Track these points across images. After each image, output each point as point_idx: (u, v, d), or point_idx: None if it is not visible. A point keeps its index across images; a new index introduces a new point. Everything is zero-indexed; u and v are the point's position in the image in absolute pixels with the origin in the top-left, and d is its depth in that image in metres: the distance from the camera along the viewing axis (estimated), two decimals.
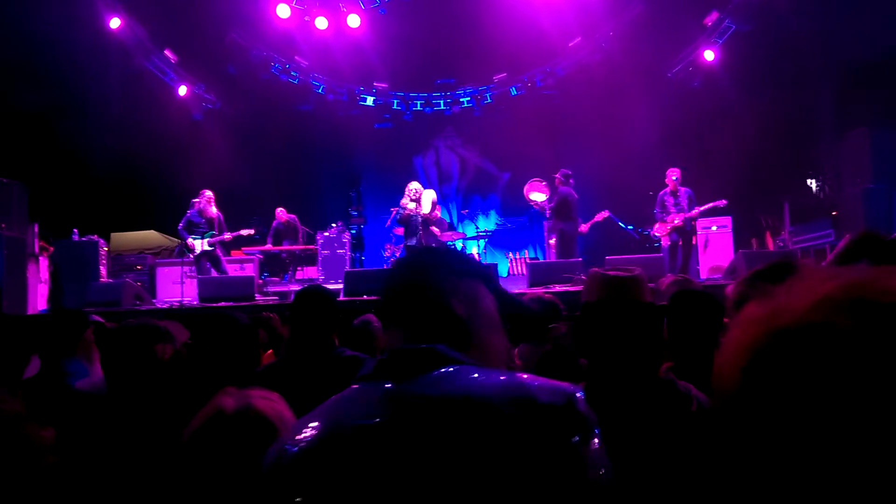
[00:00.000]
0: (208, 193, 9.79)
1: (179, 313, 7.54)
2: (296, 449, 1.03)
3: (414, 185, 9.78)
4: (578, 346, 1.89)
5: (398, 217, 9.77)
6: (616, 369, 1.78)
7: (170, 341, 2.24)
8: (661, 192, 9.73)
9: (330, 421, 1.05)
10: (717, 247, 10.51)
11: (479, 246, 11.72)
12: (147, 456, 1.83)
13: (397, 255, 12.10)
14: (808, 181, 11.60)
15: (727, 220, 10.61)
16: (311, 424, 1.06)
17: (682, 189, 9.59)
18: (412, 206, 9.59)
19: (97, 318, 3.91)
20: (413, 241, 9.67)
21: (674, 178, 9.57)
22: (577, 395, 1.02)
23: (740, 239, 10.86)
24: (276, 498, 1.02)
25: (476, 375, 1.03)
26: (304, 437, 1.04)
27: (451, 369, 1.04)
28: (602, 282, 1.91)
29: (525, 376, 1.05)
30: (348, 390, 1.11)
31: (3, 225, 9.27)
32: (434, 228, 10.05)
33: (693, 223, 9.77)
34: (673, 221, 9.53)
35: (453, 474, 0.94)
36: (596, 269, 2.02)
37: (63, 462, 1.56)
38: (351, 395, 1.10)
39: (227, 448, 1.45)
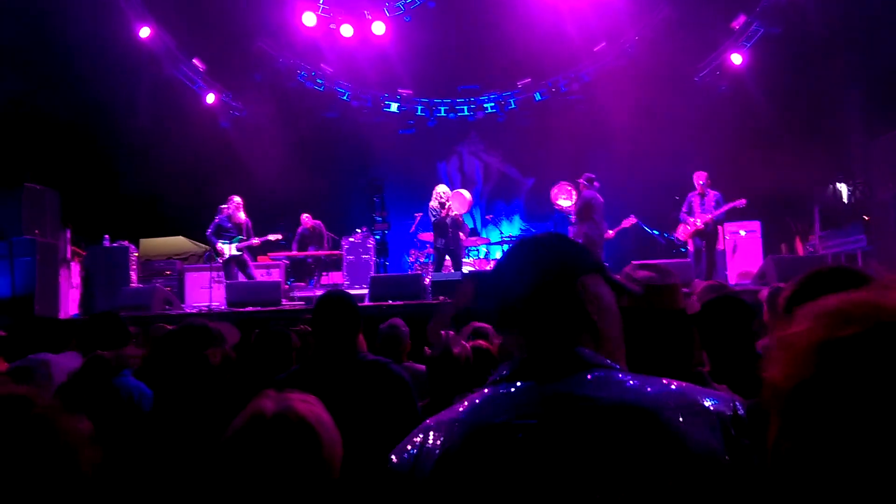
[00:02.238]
0: (237, 199, 9.89)
1: (208, 318, 7.62)
2: (438, 451, 1.00)
3: (442, 189, 9.80)
4: None
5: (432, 219, 9.78)
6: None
7: (220, 344, 2.24)
8: (690, 194, 9.67)
9: (475, 421, 1.01)
10: (745, 252, 10.37)
11: (502, 251, 11.68)
12: (189, 460, 1.84)
13: (421, 260, 12.10)
14: (839, 185, 11.39)
15: (756, 225, 10.46)
16: (455, 423, 1.02)
17: (711, 192, 9.50)
18: (439, 205, 9.59)
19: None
20: (441, 244, 9.71)
21: (701, 182, 9.52)
22: (737, 402, 1.01)
23: (769, 244, 10.70)
24: (421, 500, 0.99)
25: (630, 382, 1.00)
26: (446, 439, 1.01)
27: (600, 374, 1.00)
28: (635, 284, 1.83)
29: (677, 383, 1.02)
30: (484, 392, 1.06)
31: (37, 231, 9.47)
32: (459, 232, 10.06)
33: (716, 226, 9.66)
34: (695, 224, 9.46)
35: (618, 480, 0.91)
36: (628, 269, 1.88)
37: (105, 459, 1.56)
38: (491, 396, 1.04)
39: (266, 451, 1.44)
